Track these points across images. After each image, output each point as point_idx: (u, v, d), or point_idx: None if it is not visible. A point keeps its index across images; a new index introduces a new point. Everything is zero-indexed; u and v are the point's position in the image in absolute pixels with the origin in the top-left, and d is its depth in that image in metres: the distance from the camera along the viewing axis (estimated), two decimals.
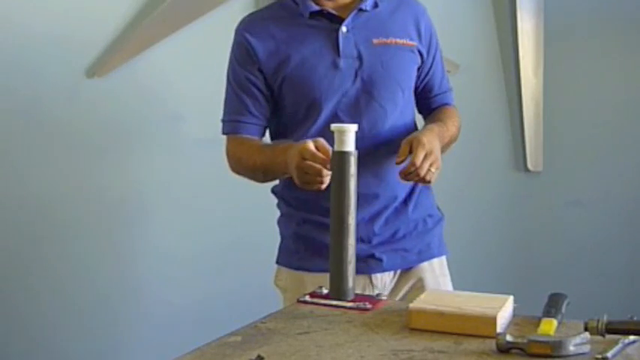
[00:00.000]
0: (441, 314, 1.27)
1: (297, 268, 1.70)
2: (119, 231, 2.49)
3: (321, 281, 1.51)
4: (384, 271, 1.70)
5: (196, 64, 2.51)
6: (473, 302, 1.31)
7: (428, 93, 1.79)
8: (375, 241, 1.69)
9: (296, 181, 1.50)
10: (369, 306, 1.40)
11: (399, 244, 1.71)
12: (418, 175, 1.53)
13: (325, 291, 1.47)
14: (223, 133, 1.75)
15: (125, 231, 2.50)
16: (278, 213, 1.80)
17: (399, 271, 1.73)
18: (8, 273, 2.33)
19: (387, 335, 1.25)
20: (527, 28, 2.77)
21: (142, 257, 2.52)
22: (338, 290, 1.43)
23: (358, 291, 1.60)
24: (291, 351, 1.17)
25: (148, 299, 2.51)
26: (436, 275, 1.75)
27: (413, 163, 1.52)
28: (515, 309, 1.36)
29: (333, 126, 1.42)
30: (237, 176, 1.77)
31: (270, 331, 1.27)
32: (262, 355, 1.14)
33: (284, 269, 1.75)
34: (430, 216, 1.77)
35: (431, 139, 1.57)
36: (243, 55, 1.69)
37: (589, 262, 2.76)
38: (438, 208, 1.81)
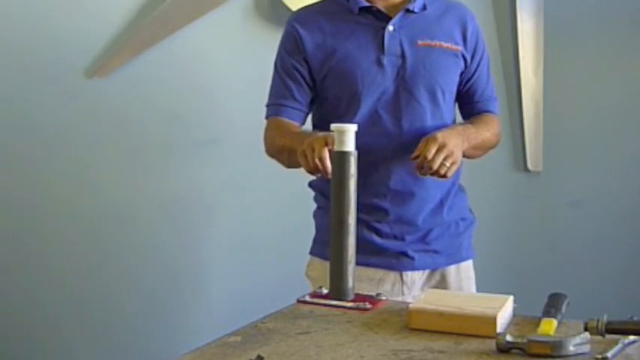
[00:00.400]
0: (441, 314, 1.27)
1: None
2: (122, 233, 2.50)
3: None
4: (414, 269, 1.74)
5: (196, 64, 2.51)
6: (473, 302, 1.31)
7: (470, 98, 1.81)
8: (408, 239, 1.73)
9: (298, 150, 1.52)
10: (369, 306, 1.40)
11: (431, 244, 1.75)
12: (431, 168, 1.55)
13: (325, 291, 1.47)
14: (266, 117, 1.77)
15: (128, 230, 2.51)
16: (314, 206, 1.83)
17: (427, 271, 1.76)
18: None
19: (387, 335, 1.25)
20: (527, 28, 2.77)
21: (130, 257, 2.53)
22: (338, 290, 1.43)
23: (388, 287, 1.68)
24: (291, 351, 1.17)
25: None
26: (460, 278, 1.78)
27: (424, 157, 1.55)
28: (515, 309, 1.36)
29: (333, 126, 1.43)
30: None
31: (270, 331, 1.27)
32: (262, 355, 1.14)
33: (317, 260, 1.78)
34: (463, 219, 1.80)
35: (447, 135, 1.59)
36: (291, 44, 1.74)
37: (589, 262, 2.76)
38: (471, 211, 1.84)
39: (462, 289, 1.76)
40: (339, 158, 1.41)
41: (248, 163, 2.57)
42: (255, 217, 2.60)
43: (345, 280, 1.43)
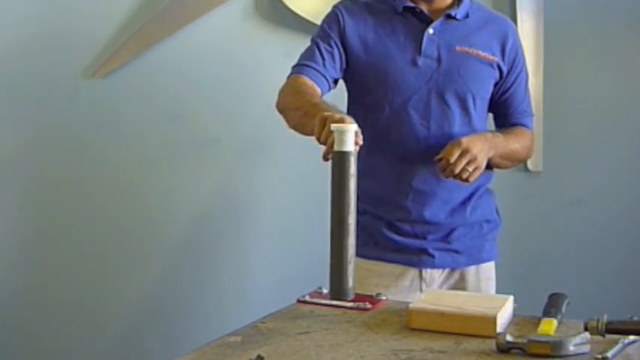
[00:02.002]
0: (441, 314, 1.27)
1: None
2: (122, 235, 2.50)
3: (373, 268, 1.71)
4: (434, 267, 1.76)
5: (196, 64, 2.51)
6: (473, 302, 1.32)
7: (505, 110, 1.83)
8: (430, 237, 1.75)
9: (318, 115, 1.46)
10: (369, 306, 1.40)
11: (452, 244, 1.77)
12: (453, 171, 1.58)
13: (325, 291, 1.47)
14: (288, 77, 1.75)
15: (125, 232, 2.50)
16: None
17: (447, 269, 1.78)
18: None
19: (387, 335, 1.25)
20: (527, 28, 2.76)
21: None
22: (338, 290, 1.43)
23: (407, 283, 1.72)
24: (291, 351, 1.17)
25: None
26: (479, 279, 1.80)
27: (446, 160, 1.58)
28: (515, 309, 1.36)
29: (333, 126, 1.43)
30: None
31: (270, 331, 1.27)
32: (262, 355, 1.14)
33: None
34: (487, 221, 1.82)
35: (472, 140, 1.61)
36: (333, 22, 1.76)
37: (589, 262, 2.76)
38: (498, 213, 1.86)
39: (480, 289, 1.78)
40: (339, 158, 1.41)
41: (248, 163, 2.57)
42: (254, 216, 2.59)
43: (345, 280, 1.43)
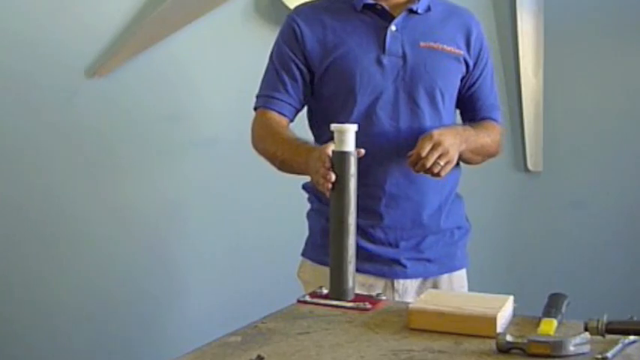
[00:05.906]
0: (441, 314, 1.27)
1: (322, 263, 1.66)
2: (124, 235, 2.49)
3: None
4: (406, 277, 1.71)
5: (196, 64, 2.51)
6: (473, 302, 1.31)
7: (473, 105, 1.79)
8: (402, 246, 1.70)
9: (314, 183, 1.50)
10: (368, 306, 1.40)
11: (424, 252, 1.72)
12: (424, 165, 1.54)
13: (325, 291, 1.47)
14: (255, 108, 1.74)
15: (129, 234, 2.50)
16: (308, 206, 1.80)
17: (420, 279, 1.73)
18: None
19: (387, 335, 1.25)
20: (527, 28, 2.76)
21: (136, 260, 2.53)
22: (338, 290, 1.43)
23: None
24: (291, 351, 1.17)
25: None
26: (453, 287, 1.75)
27: (417, 153, 1.54)
28: (515, 309, 1.36)
29: (333, 126, 1.43)
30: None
31: (270, 331, 1.27)
32: (262, 355, 1.14)
33: (309, 262, 1.76)
34: (459, 228, 1.78)
35: (443, 133, 1.56)
36: (290, 38, 1.71)
37: (589, 262, 2.76)
38: (467, 219, 1.82)
39: None
40: (339, 158, 1.41)
41: (247, 163, 2.57)
42: (253, 217, 2.59)
43: (345, 280, 1.43)
